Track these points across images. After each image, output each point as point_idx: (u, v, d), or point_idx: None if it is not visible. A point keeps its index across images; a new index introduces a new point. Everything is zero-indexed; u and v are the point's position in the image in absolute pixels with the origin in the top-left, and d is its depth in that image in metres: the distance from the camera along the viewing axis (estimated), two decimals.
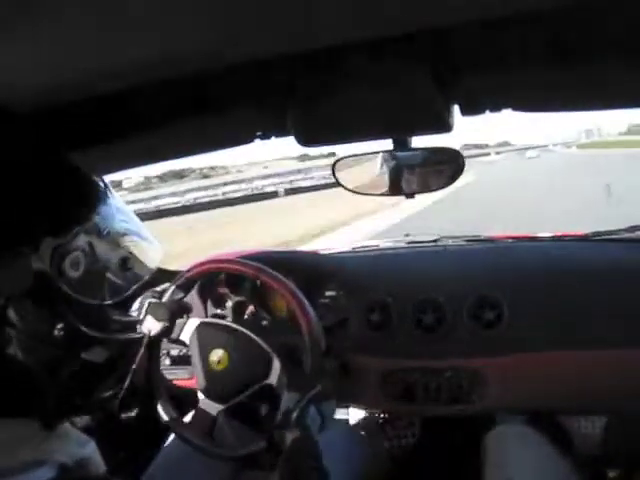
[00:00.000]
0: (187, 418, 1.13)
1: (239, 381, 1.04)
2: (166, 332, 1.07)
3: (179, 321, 1.08)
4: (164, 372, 1.31)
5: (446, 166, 0.94)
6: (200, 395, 1.07)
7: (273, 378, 1.04)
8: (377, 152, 0.97)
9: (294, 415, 0.96)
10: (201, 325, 1.09)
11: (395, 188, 0.97)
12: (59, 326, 0.59)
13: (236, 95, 0.75)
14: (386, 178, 0.96)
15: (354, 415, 1.60)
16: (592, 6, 0.55)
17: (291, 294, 1.09)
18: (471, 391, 1.23)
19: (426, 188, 0.96)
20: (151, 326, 1.05)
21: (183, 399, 1.25)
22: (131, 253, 0.66)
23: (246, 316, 1.37)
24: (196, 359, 1.08)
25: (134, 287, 0.68)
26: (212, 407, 1.05)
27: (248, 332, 1.10)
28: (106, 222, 0.62)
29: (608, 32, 0.59)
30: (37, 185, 0.59)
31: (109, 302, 0.63)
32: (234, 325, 1.14)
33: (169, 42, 0.54)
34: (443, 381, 1.24)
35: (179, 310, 1.09)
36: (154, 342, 1.08)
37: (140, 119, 0.78)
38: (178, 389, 1.30)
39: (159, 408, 1.09)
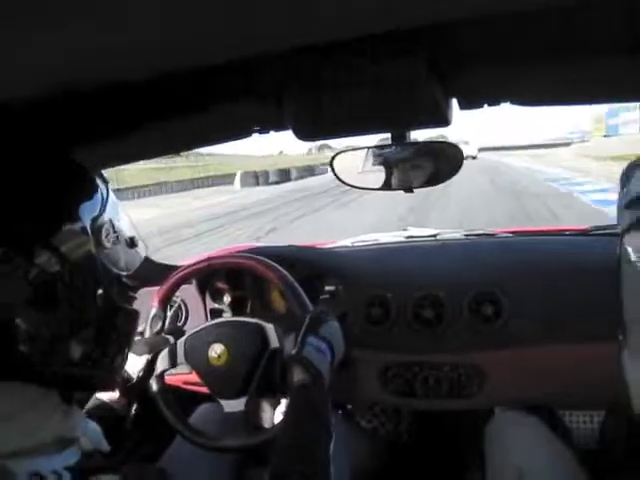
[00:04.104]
0: (213, 429, 1.13)
1: (247, 365, 1.05)
2: (151, 365, 1.08)
3: (170, 349, 1.10)
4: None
5: (445, 160, 0.94)
6: (221, 401, 1.08)
7: (273, 341, 1.05)
8: (375, 146, 0.97)
9: (292, 353, 0.95)
10: (187, 338, 1.10)
11: (393, 182, 0.96)
12: (99, 293, 0.62)
13: (235, 89, 0.75)
14: (384, 172, 0.96)
15: None
16: (591, 2, 0.54)
17: (289, 287, 1.10)
18: (470, 385, 1.23)
19: (425, 182, 0.96)
20: (133, 364, 1.06)
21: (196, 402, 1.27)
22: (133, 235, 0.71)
23: (245, 311, 1.37)
24: (197, 364, 1.09)
25: (137, 265, 0.72)
26: (238, 404, 1.06)
27: (236, 318, 1.11)
28: (114, 208, 0.67)
29: (608, 27, 0.59)
30: (41, 181, 0.60)
31: (125, 274, 0.67)
32: (220, 319, 1.15)
33: (168, 38, 0.53)
34: (442, 375, 1.24)
35: (159, 343, 1.11)
36: (145, 376, 1.08)
37: (137, 114, 0.78)
38: (185, 393, 1.30)
39: (186, 436, 1.10)
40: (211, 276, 1.37)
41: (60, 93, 0.66)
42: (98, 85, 0.67)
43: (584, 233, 1.40)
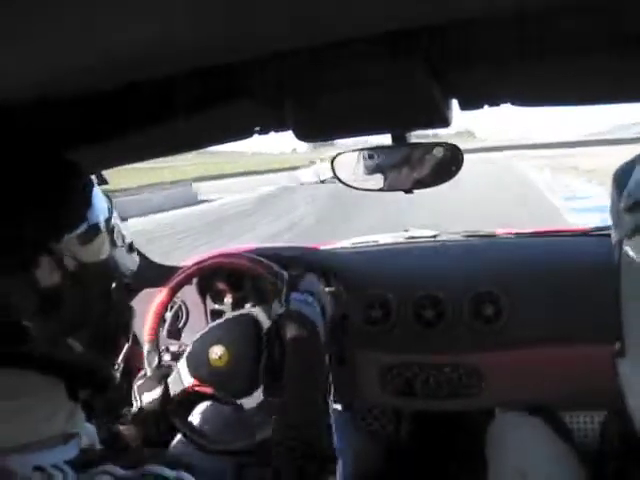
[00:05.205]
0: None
1: (249, 356, 1.05)
2: (166, 394, 1.09)
3: (175, 375, 1.10)
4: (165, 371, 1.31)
5: (445, 161, 0.94)
6: (238, 401, 1.08)
7: (266, 323, 1.06)
8: (375, 147, 0.97)
9: (281, 309, 0.95)
10: (187, 357, 1.11)
11: (393, 184, 0.97)
12: (113, 287, 0.65)
13: (234, 90, 0.75)
14: (384, 174, 0.96)
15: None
16: (591, 2, 0.54)
17: (285, 284, 1.11)
18: (470, 386, 1.23)
19: (425, 184, 0.95)
20: (149, 399, 1.07)
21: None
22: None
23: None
24: (203, 375, 1.09)
25: (135, 269, 0.74)
26: (254, 399, 1.06)
27: (225, 317, 1.11)
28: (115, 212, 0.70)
29: (606, 26, 0.59)
30: (38, 183, 0.60)
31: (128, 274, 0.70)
32: (211, 324, 1.16)
33: (168, 39, 0.54)
34: (443, 376, 1.24)
35: (164, 374, 1.12)
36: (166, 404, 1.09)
37: (138, 115, 0.78)
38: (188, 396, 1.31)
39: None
40: (211, 277, 1.37)
41: (60, 95, 0.67)
42: (97, 86, 0.67)
43: (585, 234, 1.40)
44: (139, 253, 1.58)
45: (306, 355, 0.87)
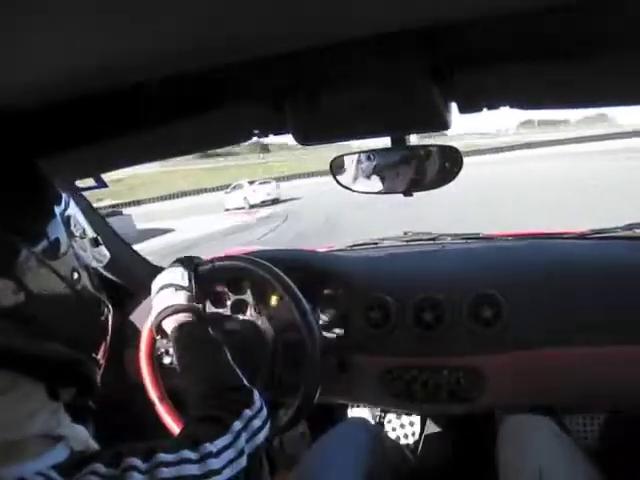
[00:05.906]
0: None
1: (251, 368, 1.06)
2: None
3: None
4: (163, 372, 1.31)
5: (444, 164, 0.94)
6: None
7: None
8: (375, 150, 0.97)
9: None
10: None
11: (392, 186, 0.97)
12: (75, 278, 0.63)
13: (234, 92, 0.75)
14: (383, 176, 0.96)
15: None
16: (591, 3, 0.54)
17: (289, 292, 1.10)
18: (470, 389, 1.23)
19: (424, 187, 0.96)
20: None
21: None
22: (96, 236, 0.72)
23: (246, 315, 1.37)
24: None
25: (102, 262, 0.73)
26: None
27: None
28: (74, 207, 0.69)
29: (606, 29, 0.59)
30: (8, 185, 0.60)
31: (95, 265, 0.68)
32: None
33: (166, 40, 0.54)
34: (442, 379, 1.24)
35: None
36: None
37: (136, 117, 0.78)
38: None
39: None
40: (211, 280, 1.37)
41: (60, 96, 0.67)
42: (96, 88, 0.67)
43: (583, 237, 1.41)
44: (140, 257, 1.58)
45: (183, 333, 0.95)
